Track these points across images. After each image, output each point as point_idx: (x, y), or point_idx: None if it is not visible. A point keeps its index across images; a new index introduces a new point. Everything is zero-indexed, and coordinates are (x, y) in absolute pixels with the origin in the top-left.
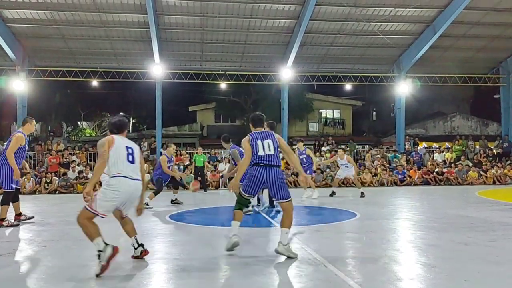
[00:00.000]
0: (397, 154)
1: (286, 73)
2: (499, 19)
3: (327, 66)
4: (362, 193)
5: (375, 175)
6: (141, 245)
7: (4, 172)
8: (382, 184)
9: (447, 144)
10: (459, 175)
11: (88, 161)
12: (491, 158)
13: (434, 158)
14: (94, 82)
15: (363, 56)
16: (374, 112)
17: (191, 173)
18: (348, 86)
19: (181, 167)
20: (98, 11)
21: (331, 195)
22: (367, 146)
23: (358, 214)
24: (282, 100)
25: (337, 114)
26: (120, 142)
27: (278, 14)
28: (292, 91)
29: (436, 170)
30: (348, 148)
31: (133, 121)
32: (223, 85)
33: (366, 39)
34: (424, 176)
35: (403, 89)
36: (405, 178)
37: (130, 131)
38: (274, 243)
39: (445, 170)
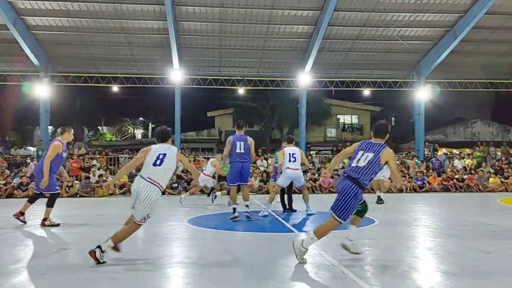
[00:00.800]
0: (416, 160)
1: (304, 79)
2: None
3: (346, 72)
4: (379, 198)
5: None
6: (99, 246)
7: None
8: (400, 191)
9: (468, 151)
10: (480, 182)
11: (108, 165)
12: None
13: (454, 165)
14: (115, 88)
15: (382, 61)
16: (393, 118)
17: None
18: (366, 92)
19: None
20: (119, 18)
21: (378, 202)
22: None
23: (376, 220)
24: (300, 106)
25: (355, 119)
26: (156, 149)
27: (296, 20)
28: (310, 96)
29: (456, 176)
30: None
31: (152, 126)
32: (241, 90)
33: (385, 45)
34: (444, 182)
35: (423, 94)
36: (424, 185)
37: (149, 136)
38: (291, 249)
39: (465, 176)
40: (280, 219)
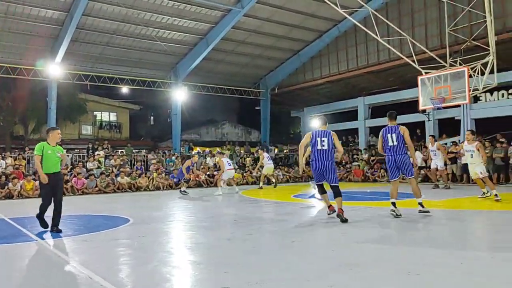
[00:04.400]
0: (173, 158)
1: (54, 70)
2: (260, 41)
3: (103, 67)
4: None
5: (151, 179)
6: None
7: None
8: (158, 188)
9: (218, 149)
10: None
11: None
12: (253, 161)
13: (207, 162)
14: None
15: (141, 60)
16: (152, 117)
17: None
18: (125, 89)
19: None
20: None
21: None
22: (144, 150)
23: (131, 219)
24: (49, 99)
25: (113, 117)
26: None
27: (45, 2)
28: (63, 90)
29: (208, 173)
30: (125, 153)
31: None
32: None
33: (144, 43)
34: (197, 179)
35: (179, 96)
36: (180, 182)
37: None
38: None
39: (215, 173)
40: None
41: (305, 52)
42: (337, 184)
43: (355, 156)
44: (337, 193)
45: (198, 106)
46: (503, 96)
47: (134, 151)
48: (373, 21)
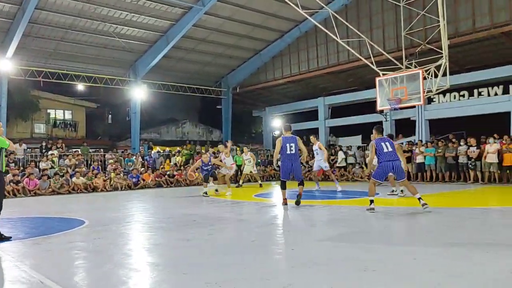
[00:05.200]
0: (132, 158)
1: (5, 65)
2: (221, 39)
3: (57, 63)
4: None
5: (109, 179)
6: None
7: None
8: (115, 189)
9: (178, 149)
10: (187, 177)
11: None
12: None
13: (170, 162)
14: None
15: (98, 56)
16: (110, 115)
17: None
18: (80, 87)
19: None
20: None
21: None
22: (102, 149)
23: (87, 221)
24: None
25: (68, 115)
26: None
27: None
28: (13, 86)
29: (168, 173)
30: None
31: None
32: None
33: (101, 40)
34: (157, 179)
35: (139, 94)
36: (139, 182)
37: None
38: None
39: (176, 173)
40: None
41: (266, 52)
42: (302, 178)
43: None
44: (301, 183)
45: (158, 104)
46: (455, 98)
47: (90, 150)
48: (333, 22)
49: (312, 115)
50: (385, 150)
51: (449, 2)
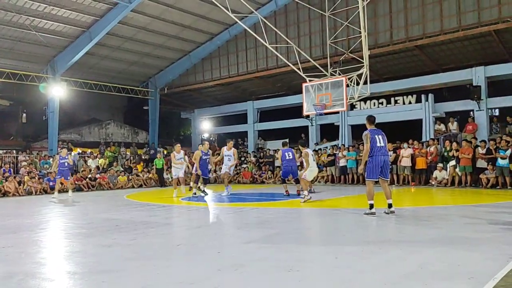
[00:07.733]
0: (48, 160)
1: None
2: (149, 39)
3: None
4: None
5: (22, 183)
6: None
7: None
8: (30, 193)
9: (91, 151)
10: (111, 180)
11: None
12: (142, 162)
13: (88, 164)
14: None
15: (12, 50)
16: (25, 114)
17: None
18: None
19: None
20: None
21: None
22: (15, 150)
23: None
24: None
25: None
26: None
27: None
28: None
29: (89, 176)
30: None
31: None
32: None
33: (16, 32)
34: (76, 182)
35: (57, 92)
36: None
37: None
38: None
39: (98, 176)
40: None
41: (196, 54)
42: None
43: (243, 159)
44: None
45: (79, 103)
46: (374, 105)
47: (1, 151)
48: (262, 28)
49: (241, 118)
50: (378, 144)
51: (370, 14)
